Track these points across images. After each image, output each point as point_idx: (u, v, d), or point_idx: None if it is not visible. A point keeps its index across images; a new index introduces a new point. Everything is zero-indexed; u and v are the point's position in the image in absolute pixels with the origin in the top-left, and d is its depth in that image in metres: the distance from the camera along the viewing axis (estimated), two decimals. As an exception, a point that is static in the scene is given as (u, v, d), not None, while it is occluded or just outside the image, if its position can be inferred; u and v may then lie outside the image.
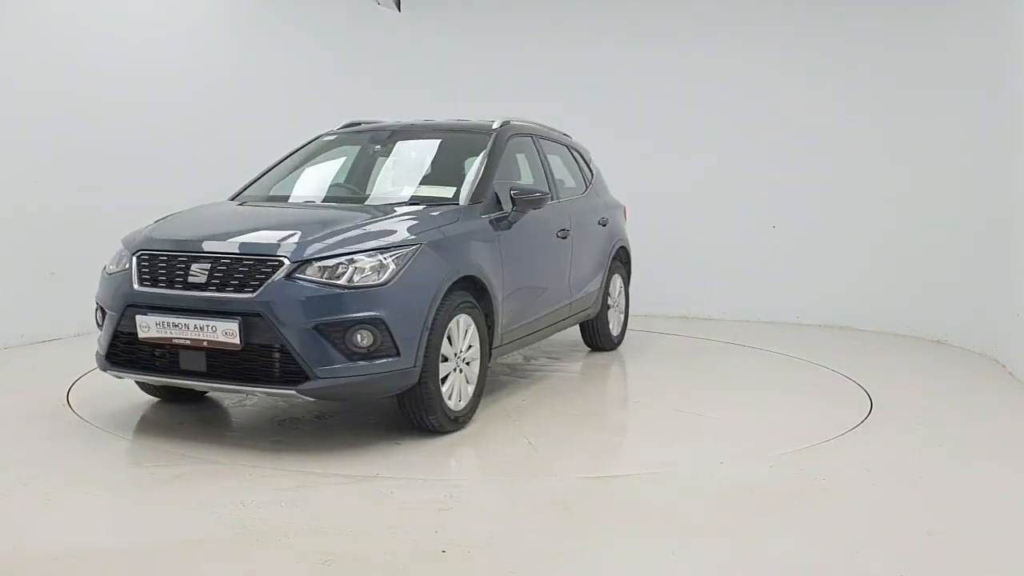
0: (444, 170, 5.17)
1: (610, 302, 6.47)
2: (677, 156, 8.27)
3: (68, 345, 6.26)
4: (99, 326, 4.29)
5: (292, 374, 3.81)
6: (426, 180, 5.13)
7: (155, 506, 3.36)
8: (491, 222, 4.72)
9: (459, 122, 5.62)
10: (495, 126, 5.30)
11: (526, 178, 5.64)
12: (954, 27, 6.94)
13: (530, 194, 4.89)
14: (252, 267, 3.87)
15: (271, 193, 5.19)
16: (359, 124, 5.81)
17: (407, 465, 3.85)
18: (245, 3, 8.17)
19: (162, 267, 4.05)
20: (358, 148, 5.59)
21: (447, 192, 4.81)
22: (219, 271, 3.91)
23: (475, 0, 9.20)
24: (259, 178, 5.39)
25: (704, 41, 8.26)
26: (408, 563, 2.85)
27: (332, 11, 8.88)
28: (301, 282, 3.82)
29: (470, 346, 4.41)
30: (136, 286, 4.06)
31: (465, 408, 4.37)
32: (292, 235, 4.01)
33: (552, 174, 5.78)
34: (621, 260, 6.68)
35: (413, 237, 4.13)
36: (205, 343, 3.85)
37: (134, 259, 4.15)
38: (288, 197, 5.13)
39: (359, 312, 3.81)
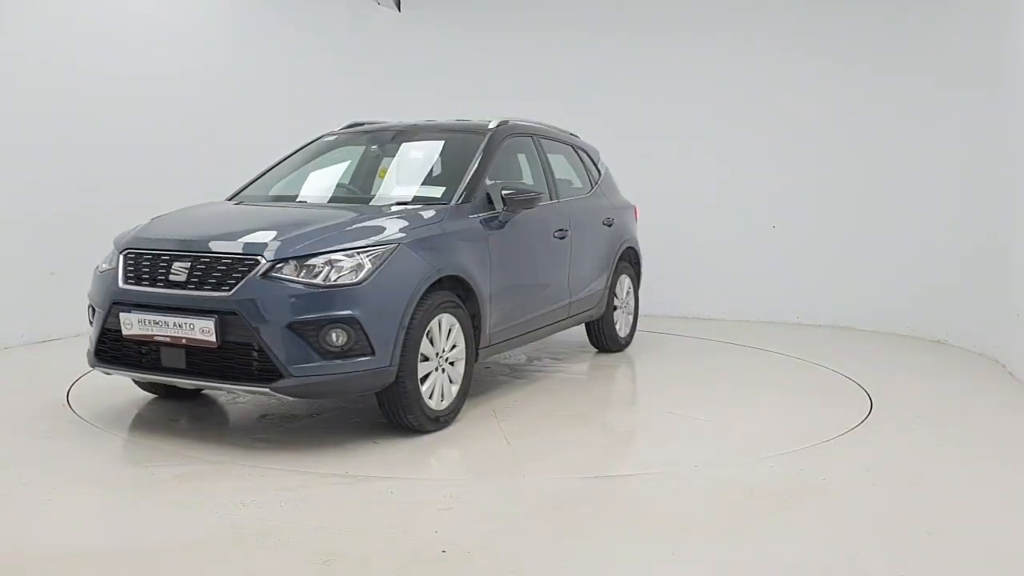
0: (437, 170, 5.19)
1: (617, 303, 6.42)
2: (677, 156, 8.27)
3: (68, 345, 6.26)
4: (91, 323, 4.35)
5: (268, 372, 3.84)
6: (419, 180, 5.15)
7: (155, 506, 3.36)
8: (481, 222, 4.72)
9: (458, 122, 5.62)
10: (491, 126, 5.31)
11: (526, 178, 5.64)
12: (954, 27, 6.94)
13: (521, 194, 4.88)
14: (230, 266, 3.93)
15: (268, 193, 5.22)
16: (362, 124, 5.84)
17: (407, 465, 3.85)
18: (245, 3, 8.17)
19: (146, 265, 4.14)
20: (356, 148, 5.61)
21: (436, 192, 4.83)
22: (198, 270, 3.98)
23: (475, 0, 9.20)
24: (258, 178, 5.43)
25: (704, 42, 8.26)
26: (408, 563, 2.85)
27: (332, 11, 8.88)
28: (277, 281, 3.86)
29: (454, 346, 4.41)
30: (121, 284, 4.15)
31: (448, 407, 4.36)
32: (270, 234, 4.05)
33: (552, 174, 5.77)
34: (629, 261, 6.63)
35: (391, 237, 4.15)
36: (184, 340, 3.92)
37: (121, 257, 4.25)
38: (284, 197, 5.15)
39: (333, 311, 3.84)
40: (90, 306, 4.37)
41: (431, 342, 4.24)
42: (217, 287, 3.90)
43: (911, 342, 7.12)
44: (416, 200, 4.73)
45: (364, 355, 3.90)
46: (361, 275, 3.93)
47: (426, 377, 4.22)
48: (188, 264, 4.00)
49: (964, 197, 6.80)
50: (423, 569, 2.82)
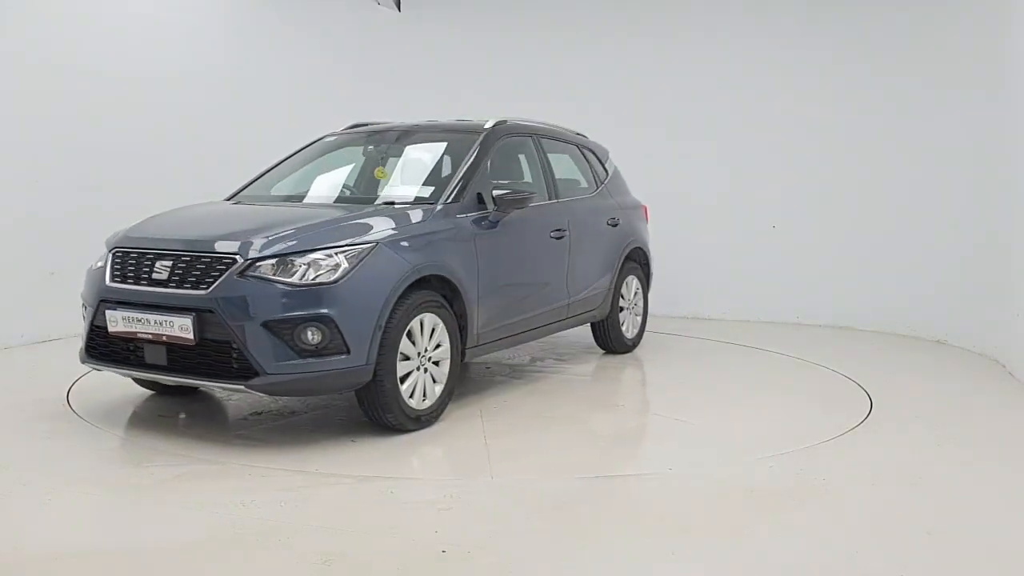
0: (432, 171, 5.20)
1: (624, 304, 6.38)
2: (677, 156, 8.27)
3: (68, 345, 6.24)
4: (84, 320, 4.41)
5: (245, 369, 3.88)
6: (412, 180, 5.17)
7: (155, 506, 3.36)
8: (472, 222, 4.73)
9: (457, 122, 5.62)
10: (487, 126, 5.31)
11: (526, 178, 5.64)
12: (954, 27, 6.94)
13: (512, 194, 4.88)
14: (209, 265, 3.99)
15: (265, 193, 5.26)
16: (366, 125, 5.85)
17: (407, 465, 3.85)
18: (245, 3, 8.17)
19: (131, 264, 4.22)
20: (355, 149, 5.63)
21: (425, 192, 4.85)
22: (179, 268, 4.05)
23: (475, 0, 9.20)
24: (258, 178, 5.46)
25: (704, 42, 8.25)
26: (408, 563, 2.85)
27: (332, 11, 8.88)
28: (253, 279, 3.90)
29: (438, 345, 4.42)
30: (108, 282, 4.25)
31: (431, 407, 4.37)
32: (250, 234, 4.08)
33: (552, 174, 5.76)
34: (638, 261, 6.57)
35: (370, 236, 4.17)
36: (164, 338, 3.98)
37: (110, 256, 4.33)
38: (281, 197, 5.20)
39: (307, 310, 3.87)
40: (83, 304, 4.45)
41: (412, 341, 4.25)
42: (196, 286, 3.97)
43: (911, 342, 7.12)
44: (404, 200, 4.76)
45: (339, 354, 3.93)
46: (337, 274, 3.96)
47: (407, 376, 4.23)
48: (170, 263, 4.08)
49: (964, 197, 6.80)
50: (423, 569, 2.82)
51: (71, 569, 2.82)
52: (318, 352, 3.89)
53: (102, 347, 4.29)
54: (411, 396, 4.25)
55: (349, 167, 5.54)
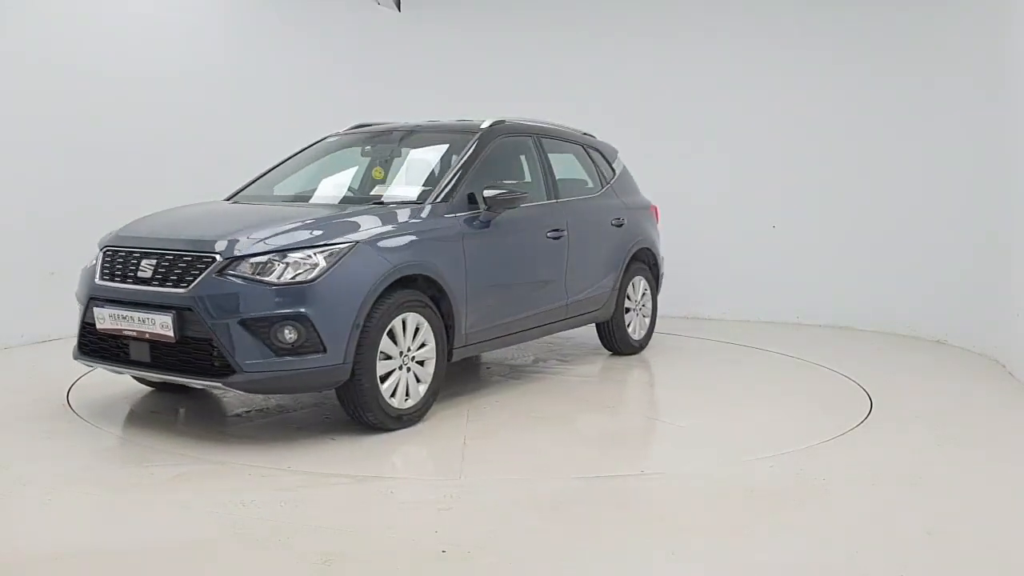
0: (428, 170, 5.21)
1: (630, 304, 6.32)
2: (677, 156, 8.26)
3: (68, 345, 6.17)
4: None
5: (224, 367, 3.93)
6: (406, 180, 5.19)
7: (155, 506, 3.36)
8: (462, 222, 4.73)
9: (457, 123, 5.62)
10: (483, 126, 5.31)
11: (525, 178, 5.63)
12: (954, 27, 6.94)
13: (503, 194, 4.87)
14: (190, 263, 4.05)
15: (263, 193, 5.29)
16: (369, 125, 5.86)
17: (407, 465, 3.85)
18: (245, 3, 8.17)
19: (119, 262, 4.30)
20: (355, 150, 5.64)
21: (416, 192, 4.87)
22: (163, 267, 4.11)
23: (475, 0, 9.20)
24: (258, 178, 5.48)
25: (704, 42, 8.25)
26: (408, 563, 2.85)
27: (332, 11, 8.87)
28: (231, 278, 3.95)
29: (423, 344, 4.42)
30: (97, 280, 4.34)
31: (413, 406, 4.36)
32: (232, 233, 4.12)
33: (551, 174, 5.75)
34: (645, 262, 6.50)
35: (350, 236, 4.19)
36: (147, 335, 4.05)
37: (100, 254, 4.42)
38: (278, 197, 5.22)
39: (283, 308, 3.91)
40: (78, 302, 4.51)
41: (394, 340, 4.24)
42: (177, 284, 4.03)
43: (911, 342, 7.12)
44: (395, 200, 4.78)
45: (316, 352, 3.95)
46: (314, 273, 3.98)
47: (389, 375, 4.23)
48: (154, 261, 4.14)
49: (964, 197, 6.79)
50: (423, 569, 2.82)
51: (71, 569, 2.82)
52: (295, 350, 3.92)
53: (92, 344, 4.36)
54: (393, 395, 4.25)
55: (349, 167, 5.55)
